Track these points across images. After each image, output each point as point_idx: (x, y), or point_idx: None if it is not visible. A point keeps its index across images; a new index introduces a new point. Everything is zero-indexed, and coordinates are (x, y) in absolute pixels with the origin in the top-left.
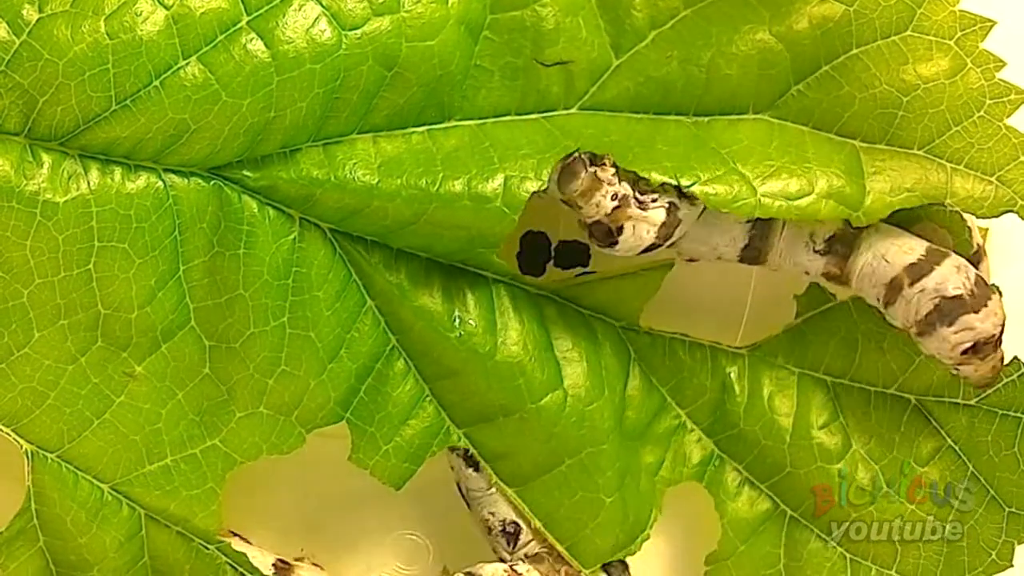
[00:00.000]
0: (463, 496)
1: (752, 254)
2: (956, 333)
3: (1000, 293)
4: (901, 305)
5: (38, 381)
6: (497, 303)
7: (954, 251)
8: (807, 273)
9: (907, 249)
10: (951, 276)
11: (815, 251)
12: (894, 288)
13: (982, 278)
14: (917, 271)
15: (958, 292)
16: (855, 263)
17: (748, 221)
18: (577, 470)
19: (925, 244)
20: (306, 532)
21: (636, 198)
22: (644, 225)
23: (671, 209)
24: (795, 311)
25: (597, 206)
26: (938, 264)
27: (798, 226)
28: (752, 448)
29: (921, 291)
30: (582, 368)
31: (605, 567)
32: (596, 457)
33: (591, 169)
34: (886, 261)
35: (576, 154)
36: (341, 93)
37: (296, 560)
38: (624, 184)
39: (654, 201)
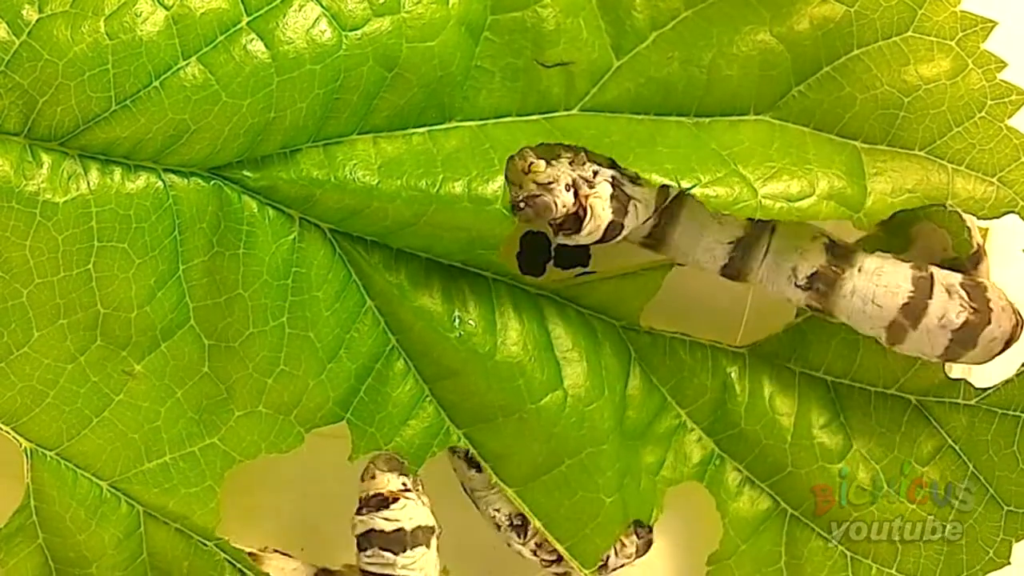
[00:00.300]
0: (469, 496)
1: (731, 272)
2: (983, 349)
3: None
4: (911, 344)
5: (37, 380)
6: (497, 303)
7: (933, 264)
8: (789, 301)
9: (894, 288)
10: (948, 306)
11: (796, 285)
12: (897, 330)
13: (970, 284)
14: (913, 312)
15: (963, 318)
16: (839, 304)
17: (730, 242)
18: (577, 470)
19: (908, 273)
20: (306, 532)
21: (582, 177)
22: (599, 202)
23: (614, 183)
24: (795, 311)
25: (563, 205)
26: (929, 297)
27: (781, 257)
28: (753, 448)
29: (927, 331)
30: (582, 368)
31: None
32: (596, 457)
33: (530, 173)
34: (877, 306)
35: (521, 199)
36: (341, 94)
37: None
38: (561, 167)
39: (595, 174)
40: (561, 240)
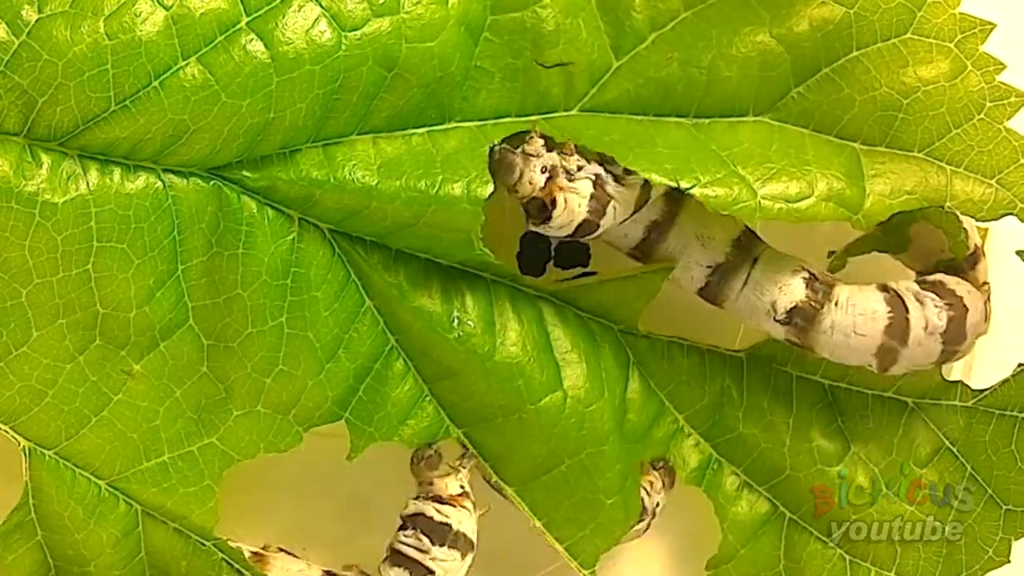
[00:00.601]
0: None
1: (708, 296)
2: (972, 337)
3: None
4: (905, 362)
5: (36, 379)
6: (496, 304)
7: (893, 283)
8: (770, 335)
9: (871, 314)
10: (928, 313)
11: (776, 320)
12: (887, 353)
13: (929, 285)
14: (898, 331)
15: (946, 317)
16: (820, 340)
17: (709, 266)
18: (577, 471)
19: (879, 295)
20: (305, 532)
21: (564, 168)
22: (575, 198)
23: (597, 182)
24: None
25: (530, 183)
26: (907, 312)
27: (761, 290)
28: (751, 452)
29: (919, 344)
30: (581, 369)
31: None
32: (596, 458)
33: (519, 149)
34: (860, 335)
35: (501, 145)
36: (341, 94)
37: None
38: (552, 155)
39: (580, 169)
40: (532, 227)
